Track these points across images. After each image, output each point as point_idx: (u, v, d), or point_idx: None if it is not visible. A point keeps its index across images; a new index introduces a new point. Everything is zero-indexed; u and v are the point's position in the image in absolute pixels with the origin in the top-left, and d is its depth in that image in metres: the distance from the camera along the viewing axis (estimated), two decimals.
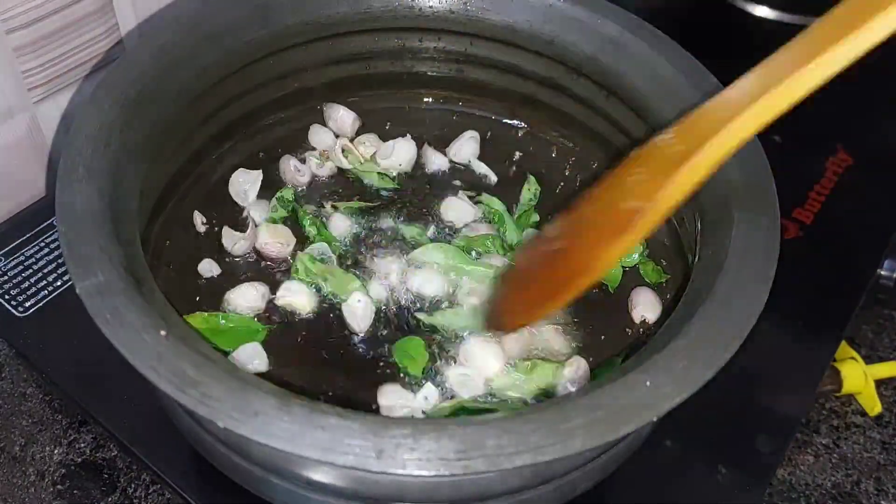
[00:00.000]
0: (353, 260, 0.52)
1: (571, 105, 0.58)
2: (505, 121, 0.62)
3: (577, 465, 0.42)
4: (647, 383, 0.35)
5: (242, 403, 0.33)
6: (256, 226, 0.53)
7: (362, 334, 0.49)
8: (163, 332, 0.35)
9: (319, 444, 0.33)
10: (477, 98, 0.61)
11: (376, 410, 0.45)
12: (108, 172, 0.42)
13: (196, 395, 0.33)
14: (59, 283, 0.54)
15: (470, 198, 0.57)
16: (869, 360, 0.59)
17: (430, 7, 0.56)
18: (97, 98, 0.45)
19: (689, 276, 0.45)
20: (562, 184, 0.58)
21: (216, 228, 0.53)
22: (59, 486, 0.47)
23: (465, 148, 0.59)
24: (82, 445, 0.49)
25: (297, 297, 0.49)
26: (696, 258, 0.45)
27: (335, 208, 0.54)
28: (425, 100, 0.62)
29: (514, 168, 0.59)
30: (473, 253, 0.52)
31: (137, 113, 0.45)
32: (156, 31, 0.50)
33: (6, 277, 0.55)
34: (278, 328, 0.49)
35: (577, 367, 0.46)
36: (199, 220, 0.53)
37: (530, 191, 0.57)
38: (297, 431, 0.33)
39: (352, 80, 0.60)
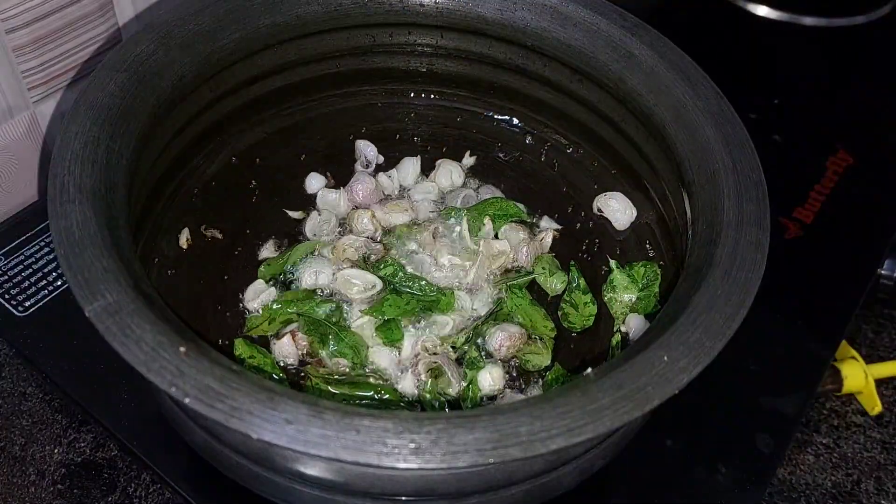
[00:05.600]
0: None
1: (572, 105, 0.57)
2: (504, 120, 0.62)
3: (572, 456, 0.42)
4: (665, 358, 0.36)
5: (273, 413, 0.33)
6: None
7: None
8: (182, 349, 0.35)
9: (356, 447, 0.32)
10: (475, 97, 0.61)
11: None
12: (100, 190, 0.41)
13: (225, 409, 0.33)
14: (59, 283, 0.54)
15: None
16: (869, 359, 0.59)
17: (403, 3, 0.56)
18: (77, 114, 0.43)
19: (683, 257, 0.45)
20: (564, 188, 0.58)
21: (203, 240, 0.53)
22: (59, 486, 0.47)
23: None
24: (82, 445, 0.49)
25: None
26: (690, 234, 0.46)
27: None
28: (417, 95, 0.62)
29: (513, 169, 0.60)
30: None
31: (120, 127, 0.44)
32: (130, 41, 0.48)
33: (6, 277, 0.54)
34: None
35: None
36: (184, 236, 0.52)
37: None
38: (333, 436, 0.33)
39: (328, 78, 0.59)
